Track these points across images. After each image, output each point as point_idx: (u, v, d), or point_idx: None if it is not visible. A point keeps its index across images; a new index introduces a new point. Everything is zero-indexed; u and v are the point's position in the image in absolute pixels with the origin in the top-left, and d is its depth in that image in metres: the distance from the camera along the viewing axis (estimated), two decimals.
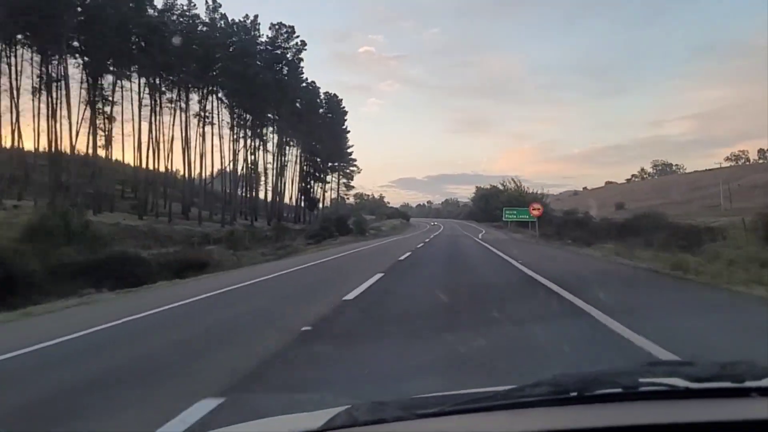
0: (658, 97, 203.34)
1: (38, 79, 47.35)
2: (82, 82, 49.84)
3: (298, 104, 69.73)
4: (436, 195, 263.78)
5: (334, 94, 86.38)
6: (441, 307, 8.21)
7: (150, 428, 3.15)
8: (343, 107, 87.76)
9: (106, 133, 51.53)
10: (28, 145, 50.56)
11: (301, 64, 67.79)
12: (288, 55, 65.45)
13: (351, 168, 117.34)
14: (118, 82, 51.93)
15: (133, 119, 53.71)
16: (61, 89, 46.52)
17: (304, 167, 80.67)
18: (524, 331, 5.98)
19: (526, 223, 51.27)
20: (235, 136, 62.08)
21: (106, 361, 5.37)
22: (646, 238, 20.40)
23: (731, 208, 55.56)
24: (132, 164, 56.24)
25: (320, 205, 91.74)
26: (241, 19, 61.47)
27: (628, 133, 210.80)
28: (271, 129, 69.56)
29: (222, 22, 59.78)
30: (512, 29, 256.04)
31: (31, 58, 47.17)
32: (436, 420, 1.22)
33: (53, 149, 46.88)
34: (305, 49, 66.59)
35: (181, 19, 54.27)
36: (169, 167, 59.44)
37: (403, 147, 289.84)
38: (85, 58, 48.22)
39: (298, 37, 65.72)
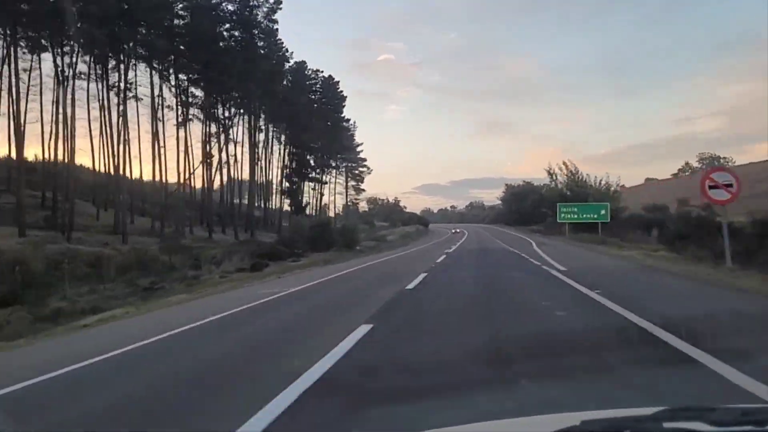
0: (684, 94, 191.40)
1: None
2: None
3: (273, 84, 54.37)
4: (460, 200, 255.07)
5: (330, 76, 70.98)
6: None
7: None
8: (341, 91, 72.07)
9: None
10: None
11: (276, 27, 52.45)
12: (258, 16, 50.16)
13: (361, 168, 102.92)
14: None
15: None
16: None
17: (289, 163, 65.09)
18: None
19: (587, 226, 34.97)
20: (184, 117, 46.84)
21: None
22: None
23: None
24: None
25: (319, 211, 76.34)
26: None
27: (655, 131, 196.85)
28: (246, 114, 54.29)
29: None
30: (530, 31, 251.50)
31: None
32: None
33: None
34: (280, 8, 51.24)
35: None
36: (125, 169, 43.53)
37: (425, 153, 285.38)
38: None
39: None
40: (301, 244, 33.09)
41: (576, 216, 35.02)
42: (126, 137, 41.22)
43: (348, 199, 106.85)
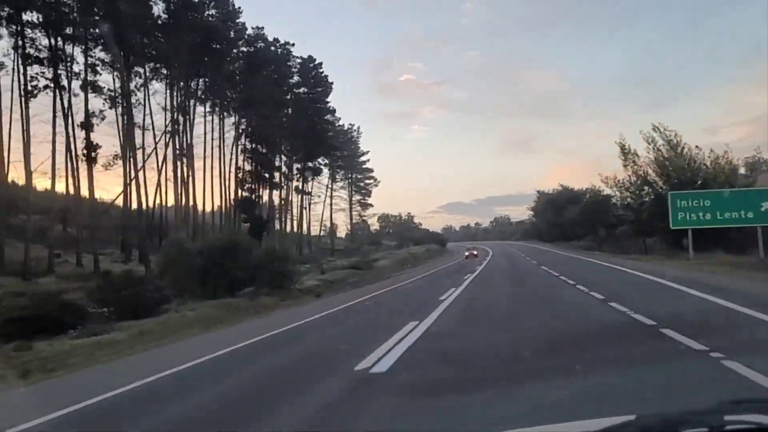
0: (710, 104, 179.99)
1: None
2: None
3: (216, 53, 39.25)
4: (485, 218, 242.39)
5: (310, 56, 55.03)
6: None
7: None
8: (325, 76, 56.01)
9: None
10: None
11: None
12: None
13: (367, 181, 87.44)
14: None
15: None
16: None
17: (241, 162, 48.31)
18: None
19: (719, 236, 18.29)
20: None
21: None
22: None
23: None
24: None
25: (306, 228, 60.71)
26: None
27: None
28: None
29: None
30: (553, 46, 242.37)
31: None
32: None
33: None
34: None
35: None
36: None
37: (449, 172, 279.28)
38: None
39: None
40: (172, 286, 17.32)
41: (708, 217, 18.17)
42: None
43: (352, 216, 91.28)
